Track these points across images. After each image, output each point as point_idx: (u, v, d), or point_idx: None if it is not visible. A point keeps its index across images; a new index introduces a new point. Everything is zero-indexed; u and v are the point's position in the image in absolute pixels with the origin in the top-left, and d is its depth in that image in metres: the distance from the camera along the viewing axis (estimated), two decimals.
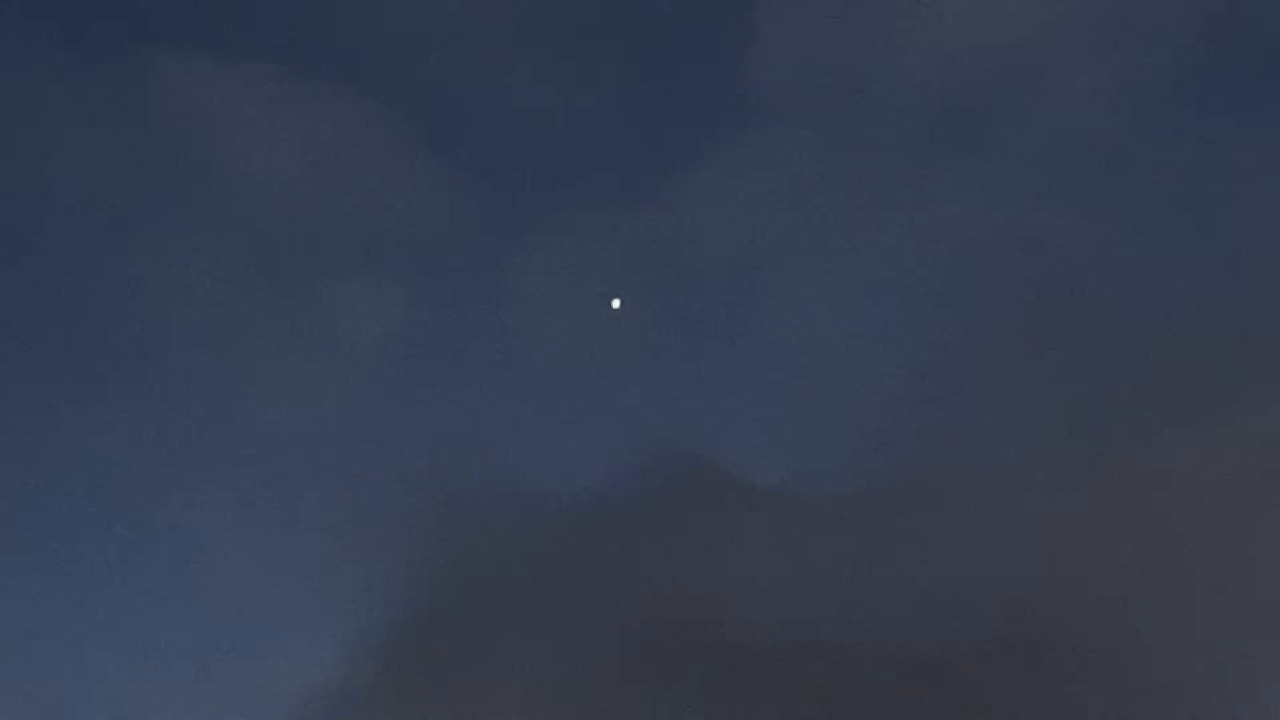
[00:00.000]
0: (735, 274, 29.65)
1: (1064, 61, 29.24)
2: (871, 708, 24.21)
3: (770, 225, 29.66)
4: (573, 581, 25.89)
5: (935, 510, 25.89)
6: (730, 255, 29.71)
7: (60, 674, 26.38)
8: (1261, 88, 28.87)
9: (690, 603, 25.59)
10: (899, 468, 26.63)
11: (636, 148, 30.34)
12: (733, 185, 29.62)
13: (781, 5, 29.68)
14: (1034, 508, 25.52)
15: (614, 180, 30.16)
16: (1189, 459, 25.27)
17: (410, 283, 29.63)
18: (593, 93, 30.38)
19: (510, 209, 30.03)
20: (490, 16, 30.05)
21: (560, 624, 25.56)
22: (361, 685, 25.31)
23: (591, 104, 30.39)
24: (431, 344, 29.40)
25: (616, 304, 28.69)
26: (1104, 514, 25.17)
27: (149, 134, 29.44)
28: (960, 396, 27.04)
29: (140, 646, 26.92)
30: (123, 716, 25.67)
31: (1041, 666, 24.26)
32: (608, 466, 27.52)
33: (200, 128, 29.40)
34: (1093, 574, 24.72)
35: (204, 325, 28.94)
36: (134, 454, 28.12)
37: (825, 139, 29.59)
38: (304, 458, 28.07)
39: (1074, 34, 29.18)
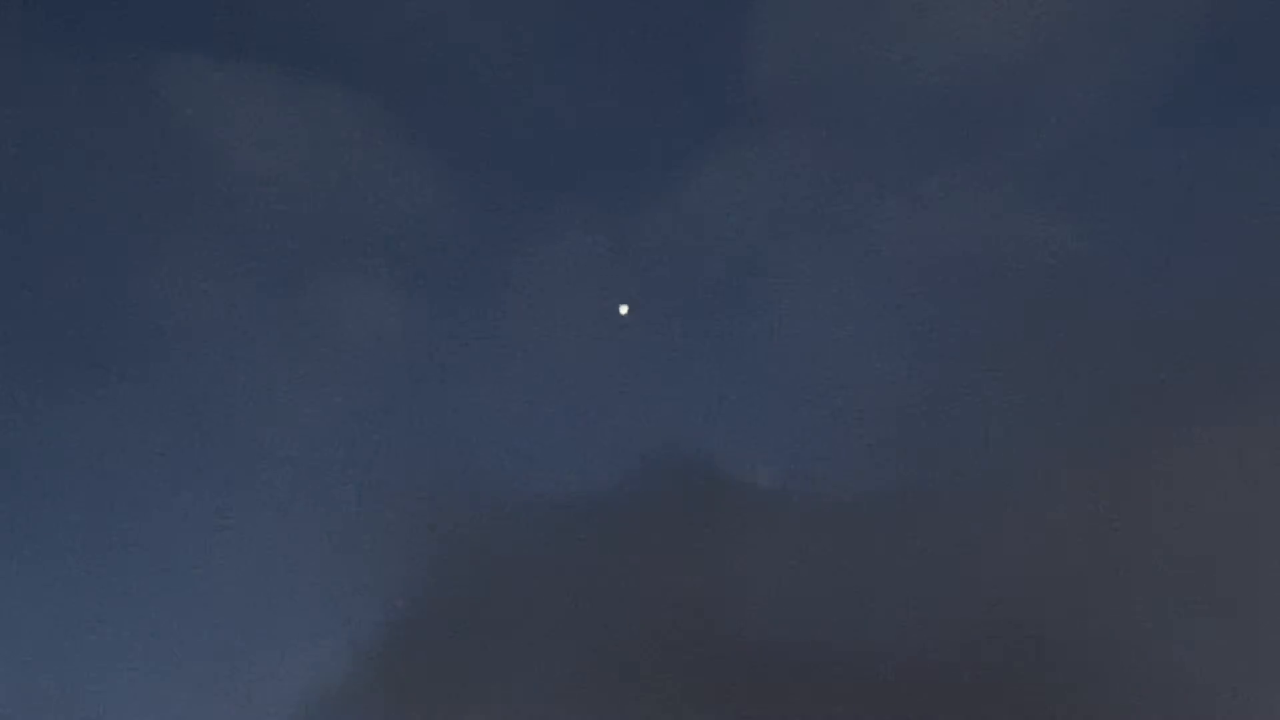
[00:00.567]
0: (735, 275, 29.73)
1: (1064, 65, 29.31)
2: (870, 710, 24.24)
3: (770, 227, 29.74)
4: (572, 582, 25.95)
5: (935, 513, 25.98)
6: (730, 256, 29.80)
7: (57, 674, 26.39)
8: (1259, 92, 28.94)
9: (690, 604, 25.62)
10: (899, 470, 26.73)
11: (636, 148, 30.41)
12: (733, 187, 29.69)
13: (782, 7, 29.75)
14: (1034, 510, 25.59)
15: (613, 180, 30.25)
16: (1190, 462, 25.31)
17: (409, 282, 29.69)
18: (592, 93, 30.46)
19: (508, 209, 30.10)
20: (490, 17, 30.11)
21: (560, 625, 25.62)
22: (361, 686, 25.39)
23: (590, 104, 30.47)
24: (431, 344, 29.45)
25: (624, 310, 28.72)
26: (1104, 517, 25.23)
27: (147, 132, 29.49)
28: (960, 399, 27.11)
29: (138, 646, 26.91)
30: (120, 717, 25.86)
31: (1041, 670, 24.31)
32: (607, 468, 27.65)
33: (199, 127, 29.45)
34: (1093, 577, 24.81)
35: (201, 324, 28.97)
36: (131, 453, 28.19)
37: (825, 142, 29.70)
38: (303, 458, 28.07)
39: (1073, 38, 29.23)
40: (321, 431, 28.19)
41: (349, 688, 25.32)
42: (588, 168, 30.25)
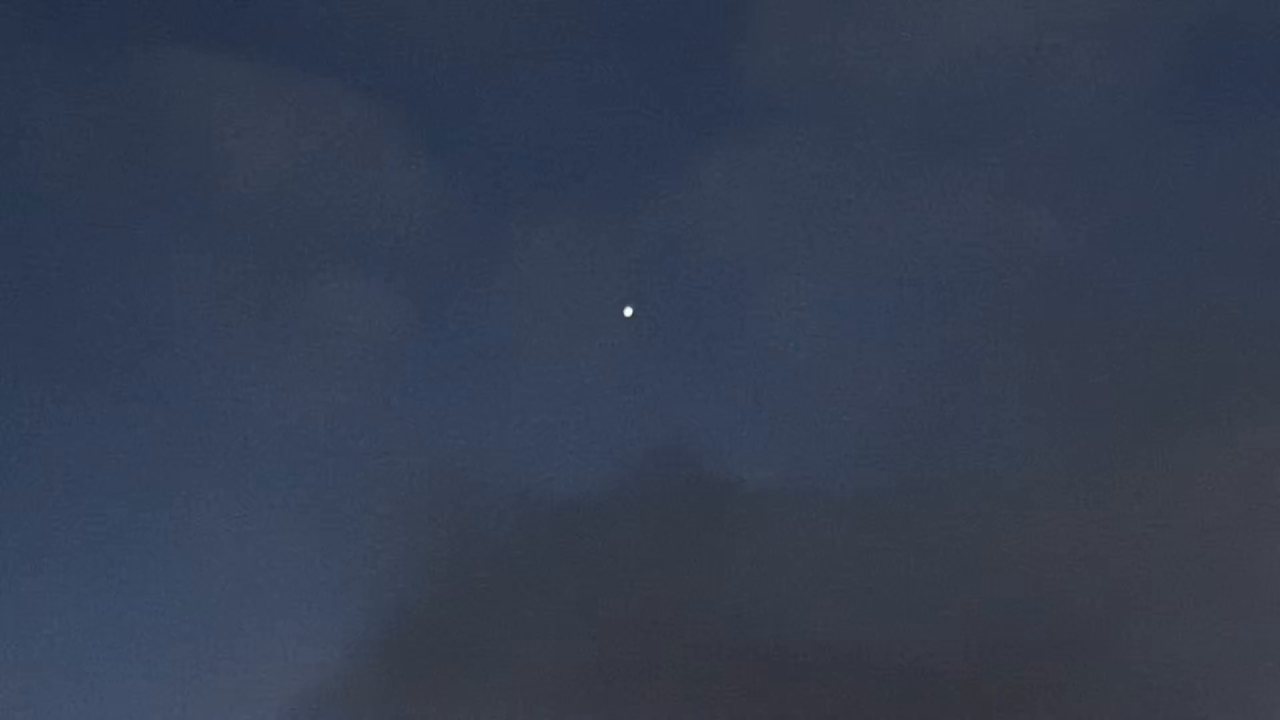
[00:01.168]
0: (731, 273, 29.65)
1: (1061, 62, 29.33)
2: (868, 711, 24.12)
3: (766, 225, 29.67)
4: (568, 581, 25.77)
5: (934, 512, 25.81)
6: (725, 255, 29.70)
7: (49, 672, 26.22)
8: (1258, 89, 29.05)
9: (688, 603, 25.47)
10: (897, 469, 26.54)
11: (632, 148, 30.36)
12: (728, 185, 29.61)
13: (779, 4, 29.74)
14: (1034, 509, 25.45)
15: (609, 180, 30.16)
16: (1193, 461, 25.28)
17: (405, 281, 29.63)
18: (588, 92, 30.40)
19: (504, 208, 30.01)
20: (486, 15, 30.05)
21: (556, 623, 25.41)
22: (357, 683, 25.16)
23: (586, 103, 30.41)
24: (425, 343, 29.41)
25: (629, 312, 28.64)
26: (1106, 516, 25.11)
27: (140, 130, 29.34)
28: (959, 397, 26.99)
29: (125, 644, 26.82)
30: (112, 715, 25.58)
31: (1042, 671, 24.16)
32: (602, 466, 27.47)
33: (192, 124, 29.32)
34: (1095, 577, 24.66)
35: (194, 322, 28.86)
36: (126, 451, 28.05)
37: (821, 139, 29.61)
38: (298, 456, 27.99)
39: (1071, 35, 29.27)
40: (314, 429, 28.15)
41: (340, 686, 25.10)
42: (583, 167, 30.27)
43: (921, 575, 25.11)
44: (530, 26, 29.84)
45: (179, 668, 26.01)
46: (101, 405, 27.87)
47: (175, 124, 29.16)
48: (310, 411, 28.06)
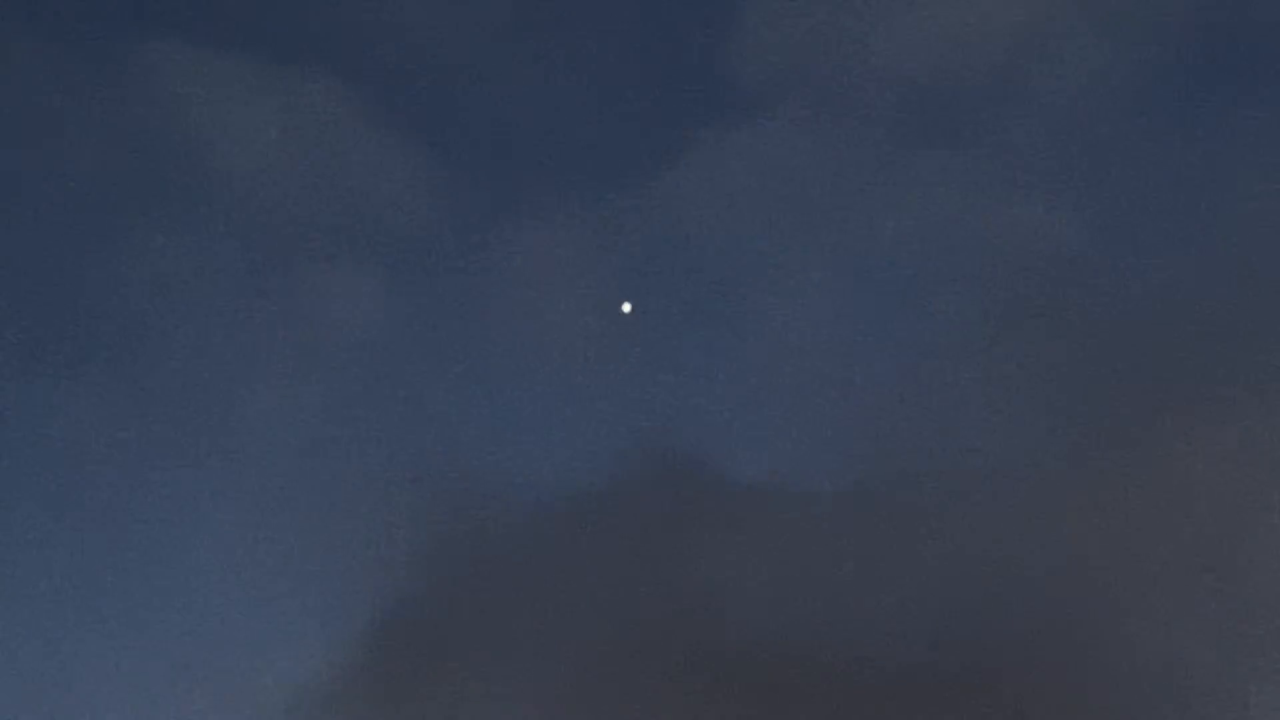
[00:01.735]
0: (719, 268, 29.69)
1: (1049, 52, 29.34)
2: (856, 709, 24.08)
3: (755, 219, 29.70)
4: (556, 578, 25.73)
5: (923, 507, 25.82)
6: (714, 249, 29.77)
7: (33, 670, 26.17)
8: (1248, 79, 29.02)
9: (676, 600, 25.48)
10: (887, 464, 26.55)
11: (620, 142, 30.39)
12: (717, 180, 29.65)
13: None
14: (1023, 504, 25.47)
15: (598, 174, 30.19)
16: (1184, 452, 25.24)
17: (393, 273, 29.61)
18: (575, 86, 30.41)
19: (492, 201, 30.00)
20: (475, 7, 30.04)
21: (544, 620, 25.38)
22: (345, 682, 25.11)
23: (574, 98, 30.43)
24: (414, 336, 29.39)
25: (627, 308, 28.55)
26: (1096, 512, 25.11)
27: (130, 121, 29.38)
28: (948, 391, 27.00)
29: (115, 642, 26.68)
30: (96, 714, 25.56)
31: (1032, 666, 24.16)
32: (592, 462, 27.50)
33: (181, 115, 29.34)
34: (1083, 572, 24.68)
35: (183, 314, 28.80)
36: (104, 445, 27.89)
37: (811, 133, 29.65)
38: (285, 449, 27.89)
39: (1059, 25, 29.29)
40: (303, 424, 28.12)
41: (332, 685, 25.05)
42: (571, 161, 30.30)
43: (913, 569, 25.17)
44: (520, 20, 29.96)
45: (165, 664, 26.08)
46: (83, 393, 27.96)
47: (162, 115, 29.30)
48: (295, 402, 28.12)
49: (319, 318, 28.83)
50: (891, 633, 24.50)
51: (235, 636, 26.16)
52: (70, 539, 27.27)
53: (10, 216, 29.08)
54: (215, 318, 28.75)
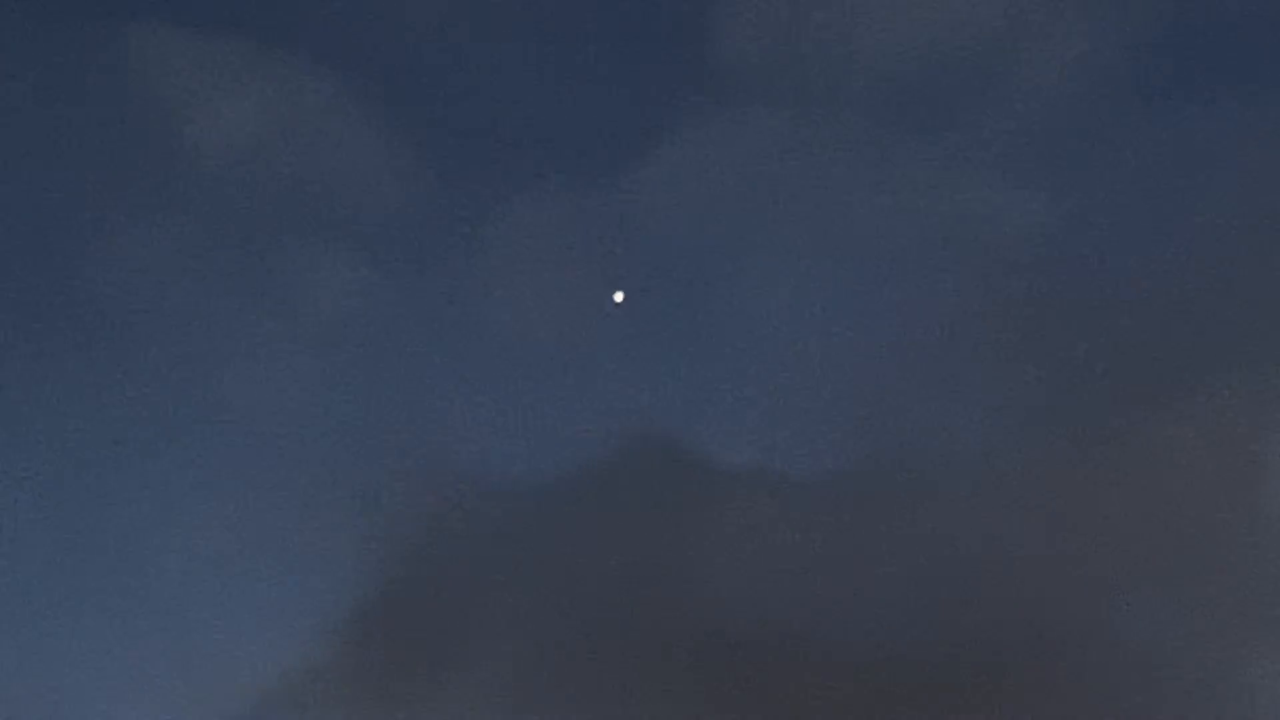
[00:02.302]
0: (702, 256, 29.58)
1: (1031, 40, 29.34)
2: (843, 695, 24.06)
3: (736, 207, 29.58)
4: (542, 565, 25.69)
5: (911, 495, 25.83)
6: (696, 237, 29.64)
7: (8, 659, 25.87)
8: (1228, 69, 29.14)
9: (662, 589, 25.42)
10: (873, 452, 26.60)
11: (600, 129, 30.20)
12: (698, 167, 29.47)
13: None
14: (1010, 492, 25.50)
15: (580, 160, 30.02)
16: (1174, 442, 25.33)
17: (376, 258, 29.34)
18: (564, 70, 30.31)
19: (475, 186, 29.77)
20: None
21: (527, 609, 25.34)
22: (324, 670, 25.05)
23: (562, 81, 30.34)
24: (398, 325, 29.20)
25: (619, 297, 28.52)
26: (1082, 499, 25.16)
27: (113, 104, 29.11)
28: (933, 378, 27.04)
29: (91, 630, 26.40)
30: (71, 703, 25.30)
31: (1023, 657, 24.19)
32: (576, 449, 27.35)
33: (165, 99, 29.08)
34: (1072, 560, 24.68)
35: (165, 298, 28.54)
36: (86, 430, 27.72)
37: (791, 120, 29.50)
38: (265, 437, 27.69)
39: (1040, 12, 29.38)
40: (285, 410, 27.90)
41: (311, 672, 25.00)
42: (552, 147, 30.14)
43: (899, 558, 25.15)
44: (506, 4, 29.94)
45: (145, 655, 25.89)
46: (62, 379, 27.80)
47: (145, 98, 29.06)
48: (279, 392, 27.94)
49: (303, 306, 28.75)
50: (879, 620, 24.48)
51: (215, 624, 26.02)
52: (47, 526, 27.07)
53: None
54: (198, 304, 28.63)
